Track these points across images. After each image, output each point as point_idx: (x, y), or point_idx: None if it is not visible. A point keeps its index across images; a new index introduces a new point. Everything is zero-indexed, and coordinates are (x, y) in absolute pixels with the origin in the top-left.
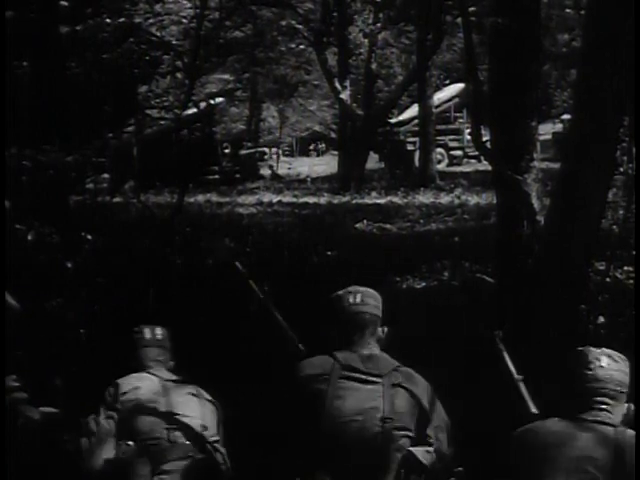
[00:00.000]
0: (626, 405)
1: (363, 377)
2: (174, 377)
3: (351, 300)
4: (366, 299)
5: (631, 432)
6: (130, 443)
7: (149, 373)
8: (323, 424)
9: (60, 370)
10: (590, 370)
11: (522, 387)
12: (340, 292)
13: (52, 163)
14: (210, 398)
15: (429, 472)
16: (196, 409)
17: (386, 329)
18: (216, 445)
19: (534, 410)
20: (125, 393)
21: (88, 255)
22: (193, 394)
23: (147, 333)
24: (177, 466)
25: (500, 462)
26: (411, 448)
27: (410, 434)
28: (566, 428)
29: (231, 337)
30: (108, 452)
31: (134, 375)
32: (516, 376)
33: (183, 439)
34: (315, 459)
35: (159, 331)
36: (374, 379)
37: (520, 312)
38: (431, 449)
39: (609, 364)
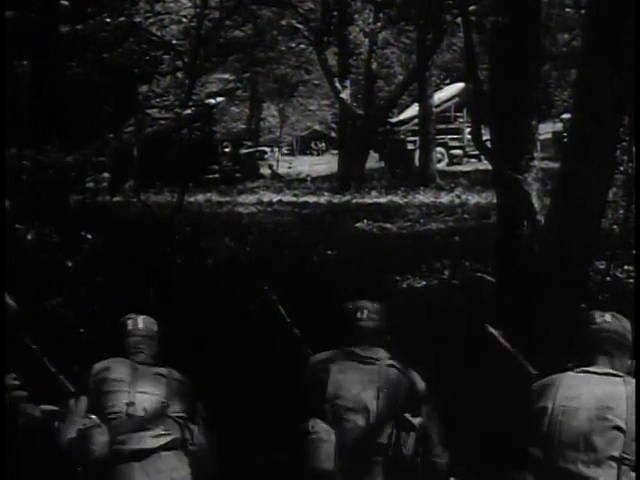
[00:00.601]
0: (629, 361)
1: (362, 359)
2: (149, 361)
3: (359, 315)
4: (372, 315)
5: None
6: (92, 417)
7: (125, 358)
8: (328, 390)
9: (60, 370)
10: (596, 325)
11: (519, 356)
12: (350, 305)
13: (52, 163)
14: (181, 379)
15: (418, 432)
16: (160, 387)
17: (389, 337)
18: (180, 420)
19: (534, 371)
20: (97, 374)
21: (88, 255)
22: (161, 374)
23: (130, 324)
24: (132, 437)
25: (521, 414)
26: (406, 415)
27: (401, 405)
28: (581, 381)
29: (231, 337)
30: (74, 430)
31: (109, 359)
32: (512, 349)
33: (141, 413)
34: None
35: (141, 322)
36: (372, 361)
37: (520, 311)
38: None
39: (612, 320)
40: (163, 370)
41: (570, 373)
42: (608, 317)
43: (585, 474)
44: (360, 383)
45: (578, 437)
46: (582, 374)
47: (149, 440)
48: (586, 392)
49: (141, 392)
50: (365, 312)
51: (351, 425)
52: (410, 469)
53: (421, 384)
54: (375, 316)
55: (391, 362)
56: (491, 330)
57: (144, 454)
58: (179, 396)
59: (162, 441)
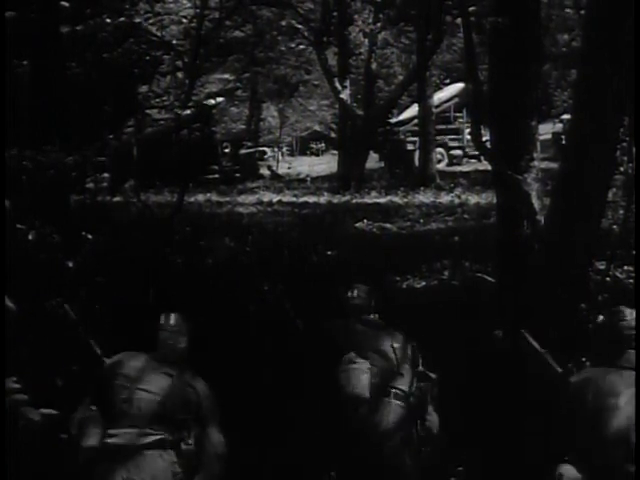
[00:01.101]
0: None
1: (373, 324)
2: (169, 358)
3: (349, 294)
4: (361, 294)
5: None
6: (92, 408)
7: (145, 353)
8: (349, 344)
9: (60, 370)
10: (626, 321)
11: (548, 357)
12: (342, 288)
13: (52, 163)
14: (189, 380)
15: (434, 382)
16: (162, 387)
17: (377, 315)
18: (177, 421)
19: (559, 370)
20: (109, 367)
21: (88, 255)
22: (168, 374)
23: (162, 319)
24: (120, 432)
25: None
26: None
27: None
28: (620, 377)
29: (231, 337)
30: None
31: (124, 353)
32: (540, 350)
33: (135, 410)
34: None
35: (172, 318)
36: (379, 326)
37: (520, 311)
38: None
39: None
40: (173, 370)
41: (605, 369)
42: (634, 314)
43: (629, 471)
44: (375, 339)
45: (618, 435)
46: (620, 370)
47: (135, 437)
48: (624, 388)
49: (142, 389)
50: (355, 291)
51: (376, 370)
52: (425, 416)
53: (419, 355)
54: (364, 295)
55: (397, 327)
56: (524, 332)
57: (127, 450)
58: (182, 397)
59: (148, 439)
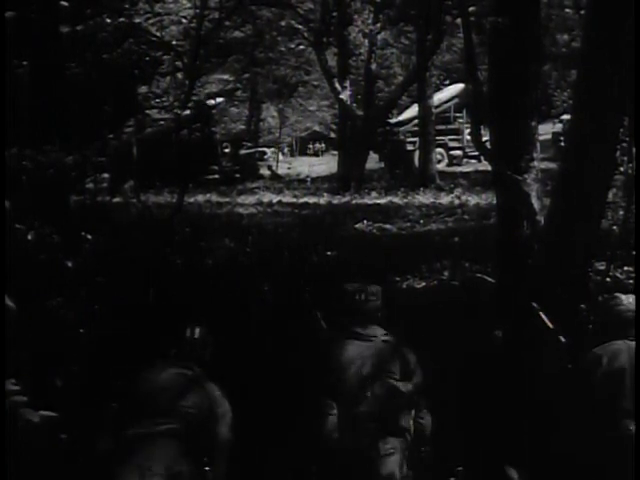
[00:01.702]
0: None
1: (362, 337)
2: (187, 364)
3: (357, 297)
4: (370, 297)
5: None
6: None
7: (169, 362)
8: (333, 367)
9: (60, 370)
10: (622, 305)
11: (558, 331)
12: (350, 288)
13: (52, 163)
14: (202, 383)
15: (407, 398)
16: (177, 384)
17: (384, 314)
18: (188, 415)
19: (564, 340)
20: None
21: (88, 255)
22: (183, 373)
23: (188, 332)
24: (135, 420)
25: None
26: (397, 383)
27: (394, 375)
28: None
29: (231, 337)
30: None
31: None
32: (550, 325)
33: (151, 403)
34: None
35: (197, 330)
36: (370, 339)
37: (520, 312)
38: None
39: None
40: (188, 370)
41: (623, 342)
42: (630, 299)
43: None
44: (360, 358)
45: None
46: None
47: (149, 424)
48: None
49: (159, 385)
50: (363, 295)
51: (352, 397)
52: (402, 433)
53: (412, 357)
54: (373, 297)
55: (385, 338)
56: (535, 305)
57: (142, 436)
58: (194, 394)
59: (161, 428)
